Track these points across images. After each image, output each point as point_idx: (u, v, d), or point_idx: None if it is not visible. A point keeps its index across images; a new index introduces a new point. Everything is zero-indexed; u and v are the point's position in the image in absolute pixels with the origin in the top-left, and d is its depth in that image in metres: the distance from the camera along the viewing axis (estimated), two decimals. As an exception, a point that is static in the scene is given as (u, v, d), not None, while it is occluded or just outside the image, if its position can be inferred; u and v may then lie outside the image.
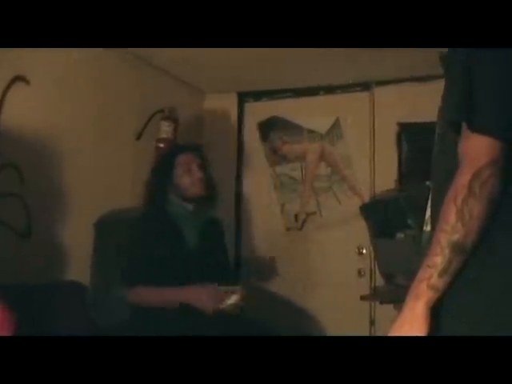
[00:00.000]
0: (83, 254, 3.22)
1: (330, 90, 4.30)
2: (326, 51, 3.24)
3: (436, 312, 1.49)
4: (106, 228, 3.32)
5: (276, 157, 4.46)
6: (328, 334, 4.03)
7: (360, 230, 3.87)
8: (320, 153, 4.35)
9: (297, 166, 4.41)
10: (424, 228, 1.75)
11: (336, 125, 4.28)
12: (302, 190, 4.39)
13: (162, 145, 3.91)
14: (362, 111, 4.19)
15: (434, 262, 1.45)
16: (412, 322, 1.47)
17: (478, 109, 1.45)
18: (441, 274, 1.45)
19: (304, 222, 4.35)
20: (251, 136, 4.52)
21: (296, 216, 4.37)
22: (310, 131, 4.37)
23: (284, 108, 4.43)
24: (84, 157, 3.29)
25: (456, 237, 1.42)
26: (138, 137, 3.79)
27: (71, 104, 3.22)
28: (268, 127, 4.48)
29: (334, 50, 3.20)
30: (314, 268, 4.24)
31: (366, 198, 4.12)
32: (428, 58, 3.14)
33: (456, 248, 1.43)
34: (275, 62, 3.79)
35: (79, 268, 3.15)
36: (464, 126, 1.46)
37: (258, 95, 4.53)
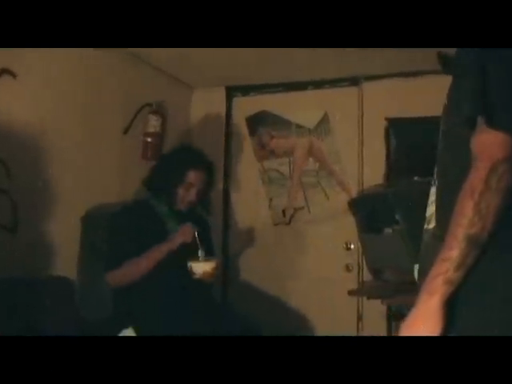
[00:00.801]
0: (70, 248, 3.21)
1: (318, 84, 4.29)
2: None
3: (450, 306, 1.48)
4: (93, 222, 3.31)
5: (264, 151, 4.46)
6: (315, 330, 4.05)
7: (348, 226, 3.86)
8: (308, 148, 4.35)
9: (285, 161, 4.40)
10: (425, 226, 1.75)
11: (324, 120, 4.28)
12: (289, 185, 4.39)
13: (149, 139, 3.90)
14: (350, 106, 4.19)
15: (450, 256, 1.46)
16: (427, 317, 1.47)
17: (496, 106, 1.47)
18: (457, 268, 1.45)
19: (292, 217, 4.35)
20: (239, 130, 4.51)
21: (284, 211, 4.37)
22: (299, 126, 4.36)
23: (272, 103, 4.42)
24: (71, 151, 3.27)
25: (473, 230, 1.44)
26: (126, 131, 3.77)
27: (58, 99, 3.19)
28: (256, 122, 4.48)
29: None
30: (301, 263, 4.24)
31: (354, 193, 4.13)
32: (416, 53, 3.14)
33: (473, 241, 1.44)
34: (263, 56, 3.78)
35: (66, 263, 3.14)
36: (479, 122, 1.48)
37: (246, 90, 4.52)
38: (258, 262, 4.32)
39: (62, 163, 3.17)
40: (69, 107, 3.27)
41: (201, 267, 2.99)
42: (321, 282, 4.11)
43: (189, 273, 2.97)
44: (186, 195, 3.16)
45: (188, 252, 3.02)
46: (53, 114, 3.15)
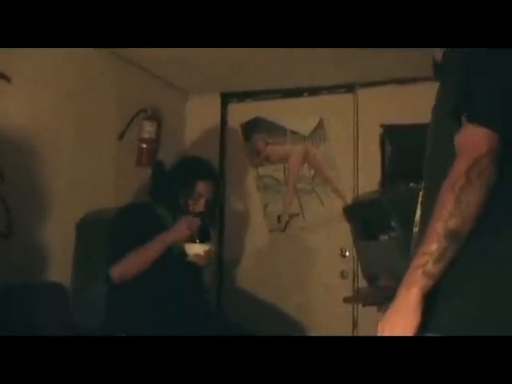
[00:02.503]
0: (65, 254, 3.18)
1: (313, 91, 4.29)
2: (311, 52, 3.24)
3: (431, 299, 1.50)
4: (88, 229, 3.29)
5: (259, 158, 4.45)
6: (311, 334, 4.03)
7: (343, 232, 3.86)
8: (303, 154, 4.34)
9: (280, 168, 4.40)
10: (414, 229, 1.76)
11: (320, 126, 4.27)
12: (284, 191, 4.38)
13: (144, 145, 3.89)
14: (345, 113, 4.19)
15: (430, 249, 1.47)
16: (406, 308, 1.48)
17: (478, 102, 1.50)
18: (436, 261, 1.46)
19: (287, 223, 4.34)
20: (234, 137, 4.50)
21: (279, 217, 4.35)
22: (294, 132, 4.36)
23: (267, 109, 4.41)
24: (66, 156, 3.26)
25: (453, 224, 1.45)
26: (121, 137, 3.76)
27: (53, 103, 3.18)
28: (251, 128, 4.47)
29: (319, 51, 3.20)
30: (296, 270, 4.23)
31: (350, 200, 4.12)
32: (412, 59, 3.14)
33: (452, 235, 1.45)
34: (259, 63, 3.78)
35: (61, 268, 3.12)
36: (464, 119, 1.51)
37: (241, 96, 4.51)
38: (252, 268, 4.31)
39: (57, 168, 3.16)
40: (63, 112, 3.26)
41: (193, 248, 3.01)
42: (316, 289, 4.10)
43: (182, 254, 2.99)
44: (196, 206, 3.14)
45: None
46: (48, 119, 3.13)
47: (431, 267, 1.47)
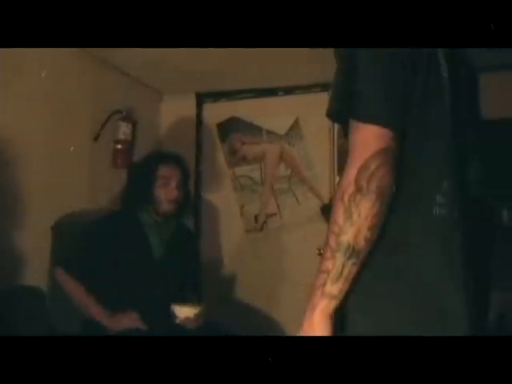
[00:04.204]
0: (41, 257, 3.14)
1: (289, 90, 4.29)
2: (286, 52, 3.23)
3: (344, 313, 1.42)
4: (64, 231, 3.25)
5: (235, 158, 4.44)
6: (289, 335, 4.02)
7: (320, 232, 3.83)
8: (279, 154, 4.34)
9: (256, 167, 4.39)
10: None
11: (295, 125, 4.28)
12: (261, 191, 4.37)
13: (120, 146, 3.87)
14: (321, 112, 4.14)
15: (327, 267, 1.36)
16: (310, 332, 1.40)
17: (361, 98, 1.41)
18: (334, 281, 1.36)
19: (264, 223, 4.33)
20: (210, 137, 4.49)
21: (256, 217, 4.35)
22: (270, 132, 4.36)
23: (243, 109, 4.40)
24: (40, 159, 3.22)
25: (345, 238, 1.33)
26: (96, 138, 3.73)
27: (26, 105, 3.14)
28: (227, 128, 4.46)
29: (294, 50, 3.19)
30: (274, 269, 4.23)
31: (326, 199, 4.12)
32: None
33: (346, 250, 1.33)
34: (234, 62, 3.77)
35: (37, 272, 3.08)
36: (351, 120, 1.41)
37: (216, 96, 4.50)
38: (229, 268, 4.30)
39: (31, 171, 3.12)
40: (37, 115, 3.22)
41: (183, 312, 2.87)
42: (295, 288, 4.09)
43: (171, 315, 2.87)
44: (167, 193, 3.08)
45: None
46: (20, 121, 3.09)
47: (330, 287, 1.35)
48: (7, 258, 2.96)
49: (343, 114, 1.45)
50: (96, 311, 2.88)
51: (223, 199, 4.42)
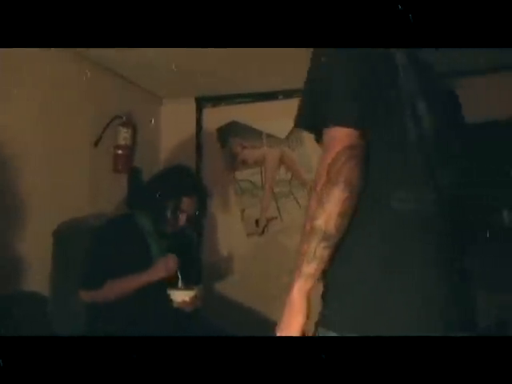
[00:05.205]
0: (42, 263, 3.13)
1: (289, 93, 4.28)
2: (285, 55, 3.23)
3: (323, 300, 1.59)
4: (65, 237, 3.25)
5: (235, 162, 4.44)
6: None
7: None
8: (279, 157, 4.34)
9: (257, 171, 4.39)
10: None
11: (296, 129, 4.26)
12: (262, 195, 4.37)
13: (120, 151, 3.87)
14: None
15: (303, 250, 1.51)
16: (289, 310, 1.55)
17: (328, 103, 1.56)
18: (309, 261, 1.49)
19: (265, 227, 4.33)
20: (210, 141, 4.48)
21: (257, 221, 4.35)
22: (270, 136, 4.35)
23: (243, 113, 4.40)
24: (41, 165, 3.21)
25: (317, 223, 1.48)
26: (96, 143, 3.72)
27: (27, 111, 3.13)
28: (227, 132, 4.46)
29: (294, 53, 3.19)
30: (275, 273, 4.21)
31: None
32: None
33: (318, 234, 1.48)
34: (233, 66, 3.76)
35: (38, 278, 3.07)
36: (321, 121, 1.56)
37: (216, 100, 4.50)
38: (231, 273, 4.29)
39: (32, 177, 3.11)
40: (37, 121, 3.21)
41: (179, 296, 2.93)
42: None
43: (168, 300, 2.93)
44: (176, 220, 3.10)
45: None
46: (20, 127, 3.08)
47: (305, 267, 1.50)
48: (8, 264, 2.95)
49: (313, 121, 1.62)
50: (134, 282, 2.94)
51: (224, 203, 4.42)
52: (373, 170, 1.54)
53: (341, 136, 1.50)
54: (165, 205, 3.07)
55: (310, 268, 1.50)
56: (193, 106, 4.52)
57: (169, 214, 3.08)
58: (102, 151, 3.77)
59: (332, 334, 1.54)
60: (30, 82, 3.16)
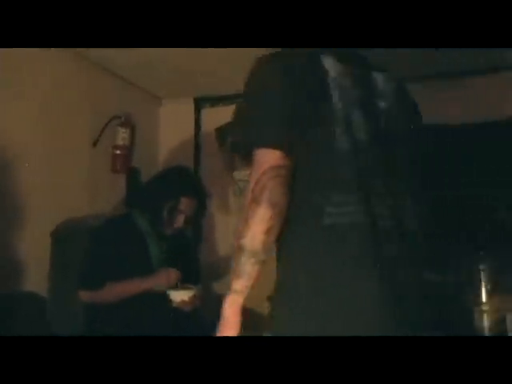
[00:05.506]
0: (40, 263, 3.13)
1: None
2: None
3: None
4: (64, 237, 3.25)
5: (234, 162, 4.42)
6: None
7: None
8: (278, 158, 4.33)
9: (255, 172, 4.37)
10: None
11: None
12: (260, 195, 4.35)
13: (118, 151, 3.86)
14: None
15: (233, 266, 1.60)
16: (223, 323, 1.61)
17: (253, 126, 1.67)
18: (236, 277, 1.58)
19: (264, 227, 4.31)
20: (209, 142, 4.47)
21: (255, 221, 4.33)
22: (268, 136, 4.34)
23: (242, 113, 4.38)
24: (39, 165, 3.21)
25: (243, 241, 1.56)
26: (95, 144, 3.72)
27: (24, 110, 3.13)
28: (225, 133, 4.44)
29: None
30: (274, 273, 4.20)
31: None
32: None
33: (245, 252, 1.56)
34: (232, 66, 3.76)
35: (37, 278, 3.07)
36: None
37: (215, 100, 4.49)
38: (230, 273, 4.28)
39: (31, 177, 3.11)
40: (36, 120, 3.22)
41: (178, 295, 2.93)
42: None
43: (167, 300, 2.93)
44: (174, 221, 3.09)
45: None
46: (19, 127, 3.08)
47: (234, 284, 1.58)
48: (7, 264, 2.95)
49: (244, 145, 1.71)
50: (134, 288, 2.93)
51: (222, 203, 4.41)
52: (304, 183, 1.63)
53: (265, 157, 1.58)
54: (163, 205, 3.06)
55: (239, 284, 1.58)
56: (192, 106, 4.51)
57: (167, 214, 3.07)
58: (100, 151, 3.76)
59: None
60: (30, 82, 3.16)
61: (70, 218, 3.32)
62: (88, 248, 3.01)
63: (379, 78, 1.79)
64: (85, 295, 2.95)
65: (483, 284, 2.87)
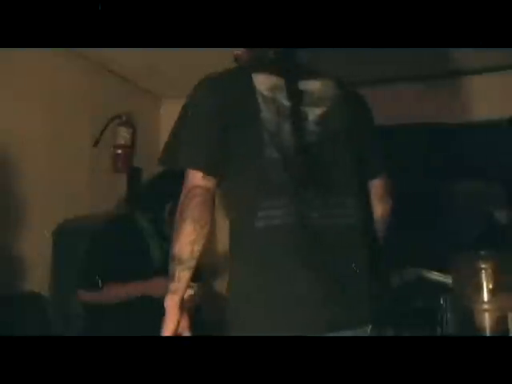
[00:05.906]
0: (42, 263, 3.14)
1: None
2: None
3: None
4: (65, 236, 3.25)
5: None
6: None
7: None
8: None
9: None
10: None
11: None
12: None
13: (119, 151, 3.86)
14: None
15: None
16: (165, 319, 1.83)
17: (179, 146, 1.88)
18: (170, 280, 1.83)
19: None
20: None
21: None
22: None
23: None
24: (40, 164, 3.21)
25: (174, 251, 1.80)
26: (96, 143, 3.72)
27: (25, 110, 3.13)
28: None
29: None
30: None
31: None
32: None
33: (175, 260, 1.80)
34: (231, 66, 3.76)
35: (38, 278, 3.07)
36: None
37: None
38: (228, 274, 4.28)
39: (32, 177, 3.11)
40: (37, 119, 3.22)
41: None
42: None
43: None
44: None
45: None
46: (20, 127, 3.08)
47: (171, 286, 1.83)
48: (8, 264, 2.95)
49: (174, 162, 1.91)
50: (132, 290, 2.92)
51: (222, 204, 4.41)
52: (240, 190, 1.87)
53: (189, 178, 1.82)
54: (164, 205, 3.06)
55: (173, 286, 1.82)
56: (192, 105, 4.50)
57: (168, 214, 3.06)
58: (101, 151, 3.77)
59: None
60: (31, 82, 3.16)
61: (71, 218, 3.32)
62: (89, 248, 3.01)
63: (315, 87, 1.92)
64: (84, 295, 2.95)
65: (484, 283, 2.86)
